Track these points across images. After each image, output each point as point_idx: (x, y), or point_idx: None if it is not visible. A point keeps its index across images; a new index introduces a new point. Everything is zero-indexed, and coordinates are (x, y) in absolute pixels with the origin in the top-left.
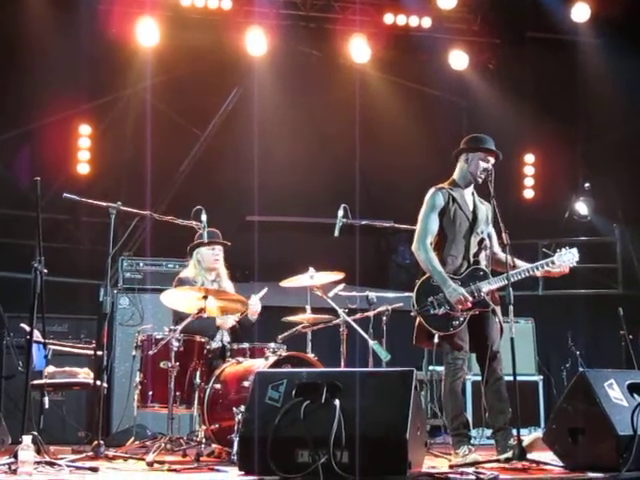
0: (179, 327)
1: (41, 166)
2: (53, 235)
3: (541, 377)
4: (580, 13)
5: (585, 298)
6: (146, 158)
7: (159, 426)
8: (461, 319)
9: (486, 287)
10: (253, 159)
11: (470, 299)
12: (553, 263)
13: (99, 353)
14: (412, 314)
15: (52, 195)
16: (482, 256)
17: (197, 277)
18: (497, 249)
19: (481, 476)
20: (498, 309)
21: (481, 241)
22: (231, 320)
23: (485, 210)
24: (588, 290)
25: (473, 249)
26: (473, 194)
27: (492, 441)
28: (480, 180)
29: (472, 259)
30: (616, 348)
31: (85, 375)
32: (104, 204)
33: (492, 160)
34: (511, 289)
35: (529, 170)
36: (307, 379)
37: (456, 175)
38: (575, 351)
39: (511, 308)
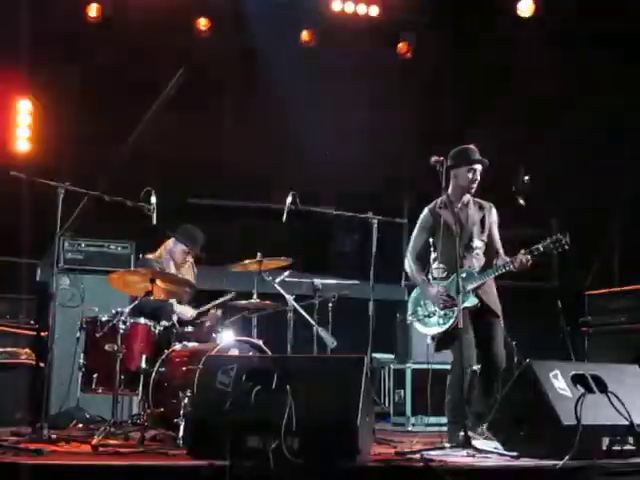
0: (127, 309)
1: None
2: None
3: (478, 366)
4: (525, 9)
5: (520, 290)
6: (89, 137)
7: (97, 409)
8: (447, 318)
9: (470, 285)
10: (198, 141)
11: (444, 293)
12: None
13: (43, 334)
14: (408, 322)
15: None
16: (471, 261)
17: (164, 264)
18: (500, 249)
19: (429, 463)
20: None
21: (469, 247)
22: (191, 312)
23: (479, 216)
24: (523, 282)
25: (460, 258)
26: (468, 202)
27: (433, 428)
28: (472, 190)
29: (459, 266)
30: (550, 340)
31: (27, 356)
32: (53, 183)
33: (478, 168)
34: (460, 280)
35: None
36: (258, 364)
37: (450, 189)
38: (511, 342)
39: (460, 296)
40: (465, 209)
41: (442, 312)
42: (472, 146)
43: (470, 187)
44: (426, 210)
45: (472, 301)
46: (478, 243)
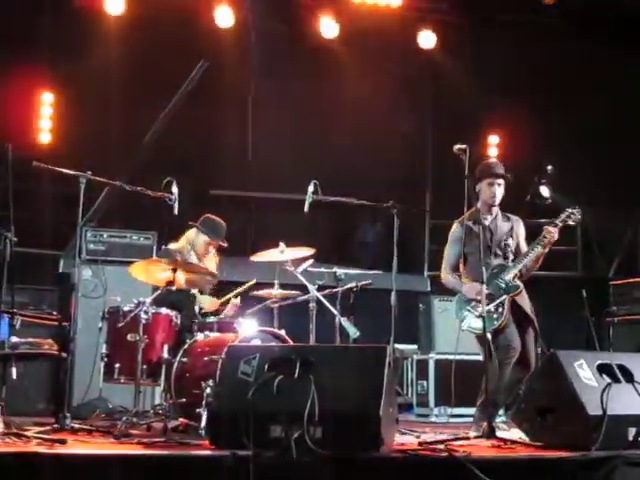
0: (149, 299)
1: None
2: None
3: None
4: None
5: (544, 280)
6: (110, 129)
7: (120, 399)
8: (498, 312)
9: (508, 275)
10: (220, 133)
11: (479, 287)
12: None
13: (65, 324)
14: (463, 329)
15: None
16: (502, 259)
17: (185, 254)
18: None
19: (453, 453)
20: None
21: (497, 255)
22: (213, 304)
23: (508, 227)
24: (547, 272)
25: (491, 266)
26: (497, 215)
27: (456, 419)
28: (496, 204)
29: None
30: (575, 329)
31: (49, 346)
32: (74, 173)
33: (499, 182)
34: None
35: (493, 151)
36: (280, 354)
37: (479, 204)
38: None
39: (484, 287)
40: (495, 221)
41: (491, 310)
42: (494, 160)
43: (493, 201)
44: (455, 223)
45: (516, 287)
46: (505, 251)
